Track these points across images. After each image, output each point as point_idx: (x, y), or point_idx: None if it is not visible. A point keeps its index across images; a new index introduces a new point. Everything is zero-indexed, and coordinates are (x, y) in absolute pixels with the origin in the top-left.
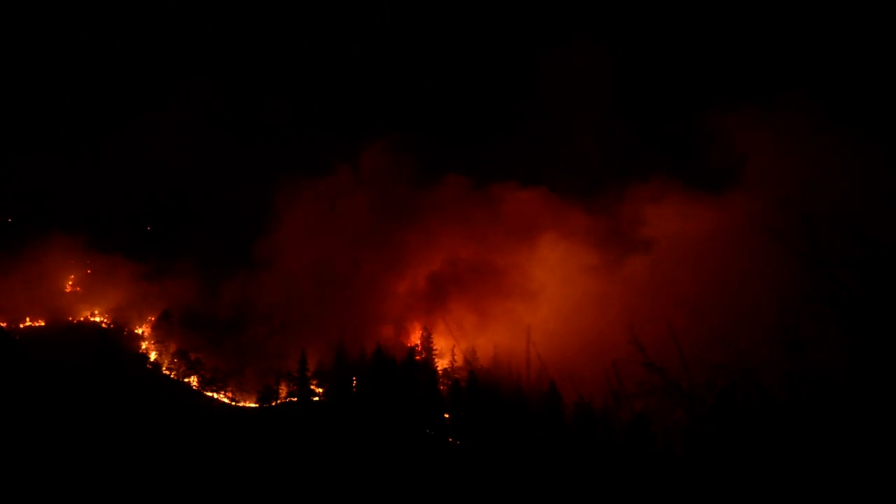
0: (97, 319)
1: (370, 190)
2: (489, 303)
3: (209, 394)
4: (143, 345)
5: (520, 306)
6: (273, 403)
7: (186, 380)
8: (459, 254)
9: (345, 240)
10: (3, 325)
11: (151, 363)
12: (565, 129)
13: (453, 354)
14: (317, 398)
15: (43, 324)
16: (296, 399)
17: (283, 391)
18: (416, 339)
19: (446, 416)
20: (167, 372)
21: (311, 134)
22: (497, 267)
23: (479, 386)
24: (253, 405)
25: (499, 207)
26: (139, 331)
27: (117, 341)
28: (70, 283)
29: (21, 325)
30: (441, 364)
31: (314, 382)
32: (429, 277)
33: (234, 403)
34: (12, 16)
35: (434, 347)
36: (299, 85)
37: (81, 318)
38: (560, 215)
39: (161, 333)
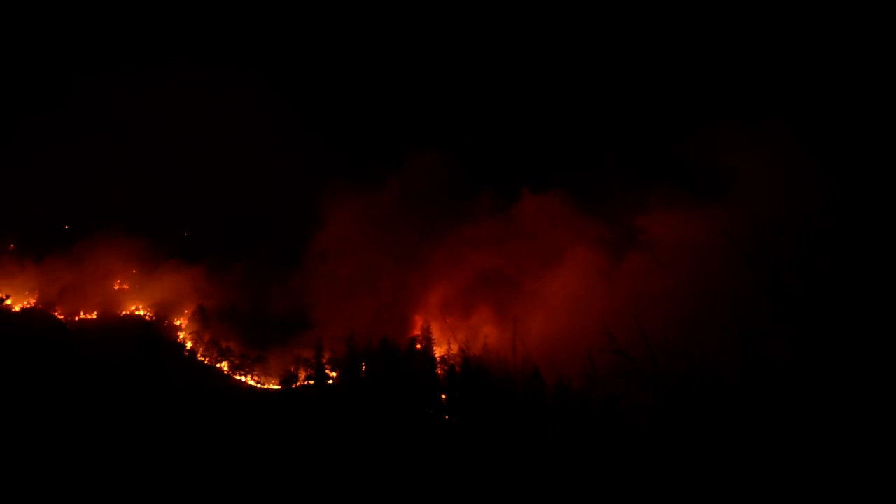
0: (141, 313)
1: (400, 200)
2: (487, 299)
3: (238, 377)
4: (181, 335)
5: (513, 302)
6: (293, 386)
7: (218, 365)
8: (468, 259)
9: (365, 247)
10: (61, 317)
11: (188, 351)
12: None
13: (449, 343)
14: (331, 381)
15: (94, 316)
16: (313, 382)
17: (301, 375)
18: (416, 330)
19: (443, 396)
20: (201, 358)
21: (354, 142)
22: (503, 270)
23: (472, 370)
24: (276, 387)
25: (514, 212)
26: (178, 322)
27: (158, 332)
28: (118, 281)
29: (76, 318)
30: (439, 352)
31: (329, 368)
32: (437, 278)
33: (259, 386)
34: (81, 22)
35: (432, 337)
36: (347, 93)
37: (128, 312)
38: (571, 221)
39: (196, 325)
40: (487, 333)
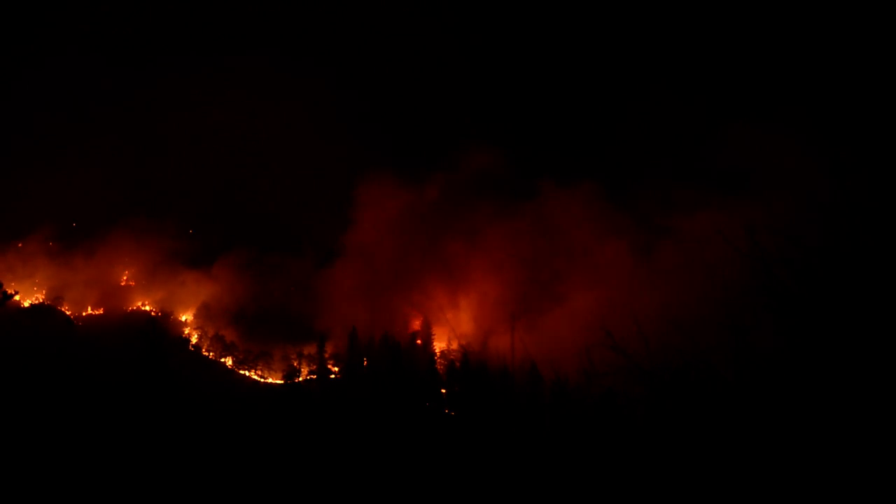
0: (147, 308)
1: (406, 199)
2: (486, 295)
3: (242, 372)
4: (186, 330)
5: (512, 299)
6: (296, 380)
7: (222, 360)
8: (471, 256)
9: (369, 245)
10: (69, 313)
11: (193, 346)
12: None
13: (449, 339)
14: (333, 376)
15: (101, 312)
16: (315, 377)
17: (304, 370)
18: (417, 326)
19: (443, 391)
20: (206, 353)
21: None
22: (503, 268)
23: (470, 366)
24: (279, 382)
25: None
26: (183, 318)
27: (164, 327)
28: (125, 278)
29: (83, 314)
30: (438, 347)
31: (331, 363)
32: (439, 274)
33: (262, 380)
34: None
35: (432, 333)
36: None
37: (134, 308)
38: (572, 218)
39: (201, 321)
40: (486, 329)
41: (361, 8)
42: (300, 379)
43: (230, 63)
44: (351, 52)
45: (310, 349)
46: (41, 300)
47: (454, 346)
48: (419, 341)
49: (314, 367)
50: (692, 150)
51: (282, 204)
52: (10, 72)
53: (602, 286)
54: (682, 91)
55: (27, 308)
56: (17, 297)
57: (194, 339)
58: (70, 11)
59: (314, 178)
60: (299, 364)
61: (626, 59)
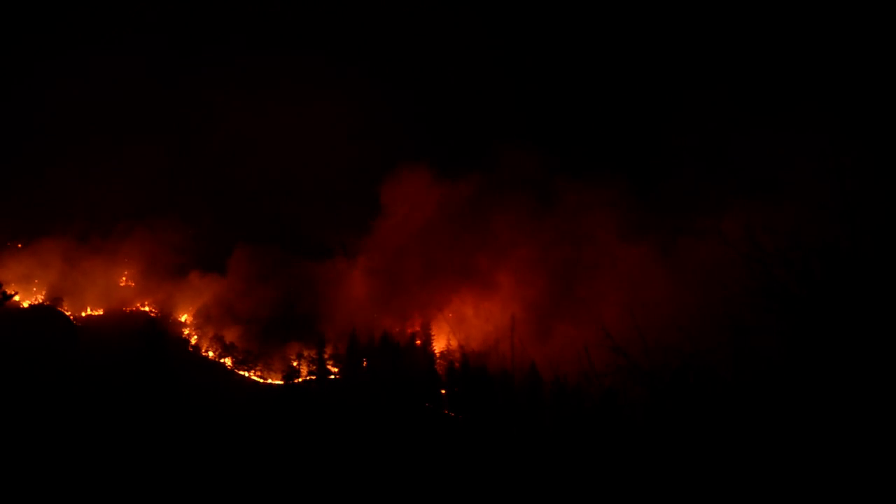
0: (146, 309)
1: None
2: (484, 297)
3: (241, 373)
4: (186, 331)
5: (510, 301)
6: (296, 381)
7: (222, 360)
8: (471, 257)
9: (375, 244)
10: (68, 313)
11: (192, 346)
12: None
13: (449, 340)
14: (332, 377)
15: (101, 312)
16: (315, 377)
17: (304, 371)
18: (416, 326)
19: (443, 391)
20: (206, 354)
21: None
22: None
23: (470, 366)
24: (279, 382)
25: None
26: (182, 319)
27: (163, 327)
28: (124, 278)
29: (83, 314)
30: (438, 347)
31: (330, 363)
32: (439, 274)
33: (262, 381)
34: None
35: (432, 334)
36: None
37: (133, 308)
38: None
39: (201, 321)
40: (486, 330)
41: (377, 6)
42: (300, 379)
43: (260, 62)
44: (371, 52)
45: (309, 350)
46: (41, 300)
47: (454, 346)
48: (419, 342)
49: (314, 367)
50: (694, 152)
51: (284, 204)
52: (12, 73)
53: (605, 286)
54: (681, 92)
55: (27, 308)
56: (16, 298)
57: (194, 340)
58: (83, 9)
59: (315, 178)
60: (299, 364)
61: (626, 62)
